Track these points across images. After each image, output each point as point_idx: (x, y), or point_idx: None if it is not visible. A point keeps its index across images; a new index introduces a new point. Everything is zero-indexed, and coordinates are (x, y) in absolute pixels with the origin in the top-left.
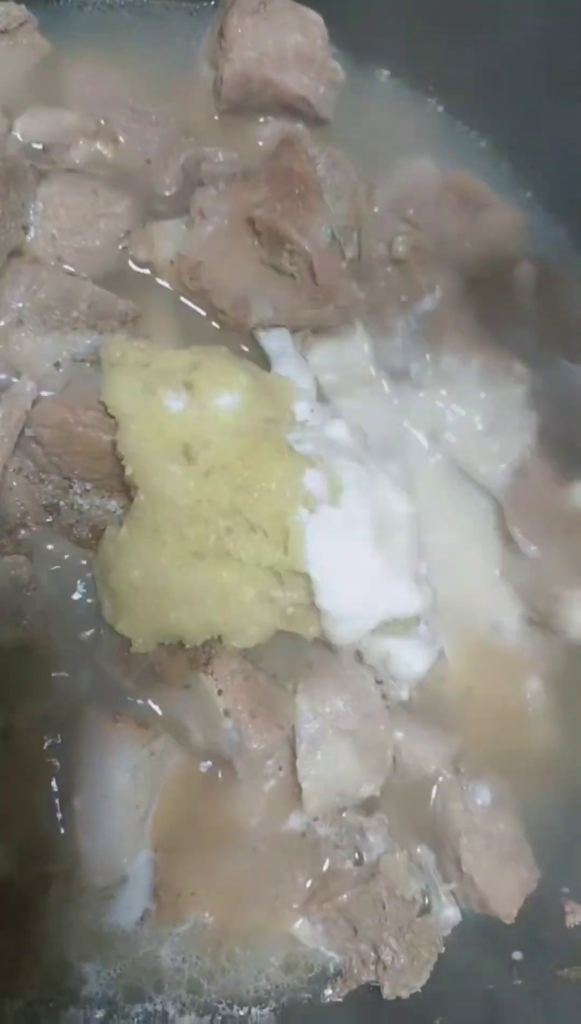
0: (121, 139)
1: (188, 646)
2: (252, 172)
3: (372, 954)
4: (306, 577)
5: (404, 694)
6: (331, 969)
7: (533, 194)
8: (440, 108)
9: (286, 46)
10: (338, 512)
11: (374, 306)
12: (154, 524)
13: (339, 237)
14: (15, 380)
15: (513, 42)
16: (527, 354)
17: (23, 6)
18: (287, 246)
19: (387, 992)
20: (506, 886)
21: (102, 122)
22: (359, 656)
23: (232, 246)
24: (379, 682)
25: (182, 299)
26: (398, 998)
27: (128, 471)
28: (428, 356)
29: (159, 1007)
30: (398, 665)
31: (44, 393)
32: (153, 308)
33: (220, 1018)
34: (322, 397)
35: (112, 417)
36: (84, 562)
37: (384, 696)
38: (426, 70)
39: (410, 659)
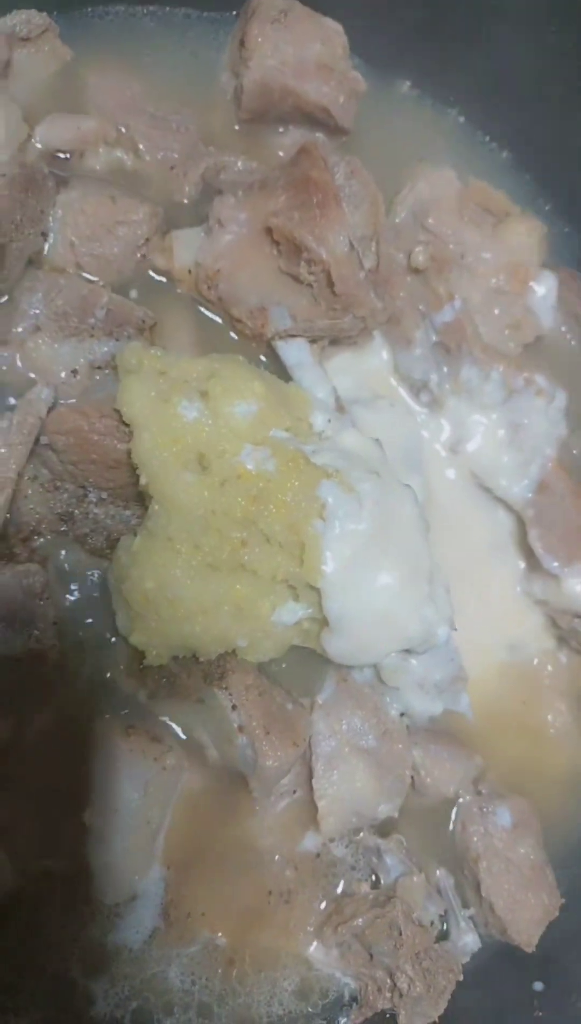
0: (141, 146)
1: (202, 660)
2: (270, 180)
3: (388, 981)
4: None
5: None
6: (346, 996)
7: (553, 206)
8: (461, 119)
9: (306, 55)
10: (354, 525)
11: (393, 316)
12: (168, 534)
13: (357, 246)
14: (33, 387)
15: (535, 54)
16: (549, 366)
17: (45, 14)
18: (305, 255)
19: (403, 1021)
20: (527, 913)
21: (122, 129)
22: (378, 673)
23: (250, 255)
24: (401, 714)
25: (201, 308)
26: None
27: (142, 480)
28: (447, 368)
29: None
30: (414, 690)
31: (62, 400)
32: (171, 317)
33: None
34: (340, 408)
35: (127, 425)
36: (99, 572)
37: (403, 714)
38: (448, 81)
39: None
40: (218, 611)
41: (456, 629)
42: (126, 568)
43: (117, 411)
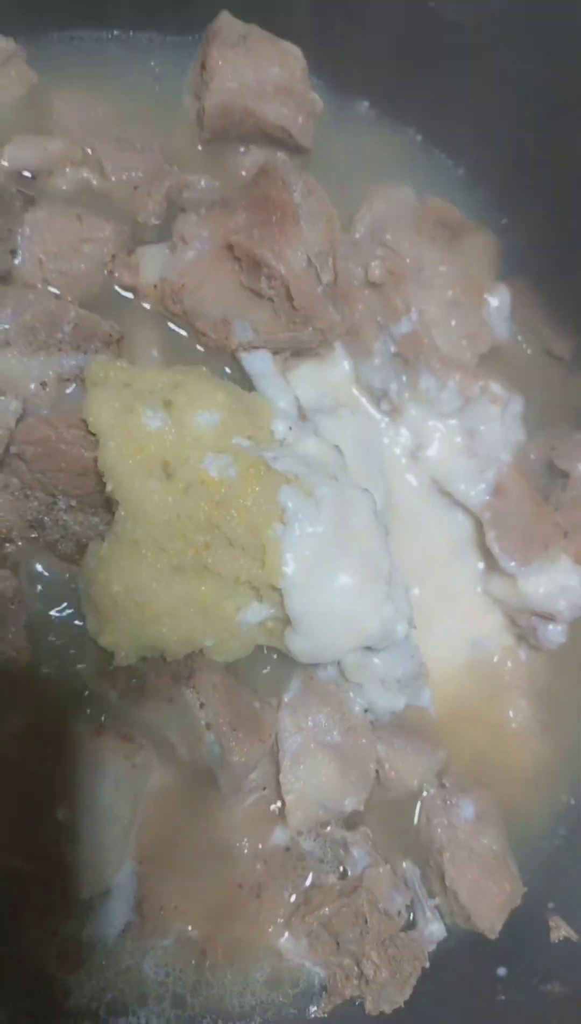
0: (107, 167)
1: (170, 660)
2: (231, 199)
3: (355, 968)
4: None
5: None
6: (316, 984)
7: (508, 220)
8: (419, 137)
9: (266, 78)
10: (313, 528)
11: (352, 328)
12: (134, 538)
13: (315, 262)
14: (1, 399)
15: (489, 72)
16: (505, 374)
17: (11, 39)
18: (264, 270)
19: (370, 1007)
20: (490, 901)
21: (88, 150)
22: (342, 671)
23: (213, 270)
24: (365, 711)
25: (167, 322)
26: (382, 1013)
27: (108, 487)
28: (406, 377)
29: (143, 1021)
30: (376, 687)
31: (31, 412)
32: (138, 331)
33: None
34: (303, 416)
35: (93, 435)
36: (68, 577)
37: (367, 710)
38: (404, 100)
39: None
40: (184, 612)
41: (415, 627)
42: (94, 572)
43: (84, 421)
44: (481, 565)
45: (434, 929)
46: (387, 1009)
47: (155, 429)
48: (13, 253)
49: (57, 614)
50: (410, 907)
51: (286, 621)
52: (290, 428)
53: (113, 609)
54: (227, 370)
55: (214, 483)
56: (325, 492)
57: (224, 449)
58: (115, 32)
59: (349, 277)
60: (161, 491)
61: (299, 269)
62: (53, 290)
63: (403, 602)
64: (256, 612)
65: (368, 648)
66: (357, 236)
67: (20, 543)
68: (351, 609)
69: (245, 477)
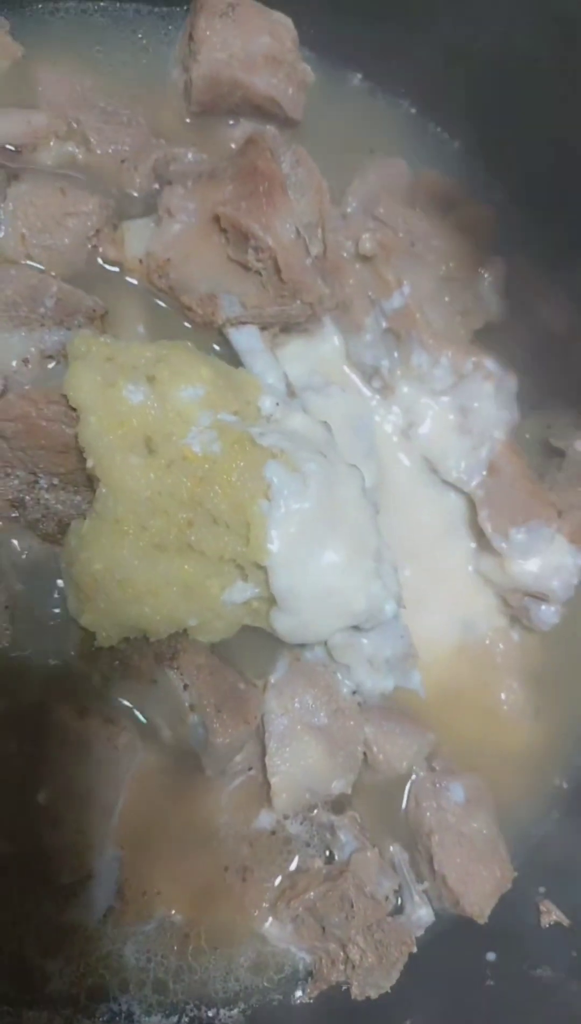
0: (92, 140)
1: (153, 640)
2: (218, 170)
3: (341, 953)
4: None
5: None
6: (301, 970)
7: (504, 194)
8: (413, 110)
9: (255, 48)
10: (299, 504)
11: (342, 303)
12: (115, 516)
13: (303, 233)
14: None
15: (486, 45)
16: (500, 351)
17: None
18: (252, 242)
19: (356, 992)
20: (479, 885)
21: (73, 124)
22: (329, 652)
23: (200, 244)
24: (353, 692)
25: (153, 298)
26: (368, 999)
27: (89, 463)
28: (398, 353)
29: (124, 1006)
30: (364, 668)
31: (13, 389)
32: (123, 307)
33: (187, 1019)
34: (291, 393)
35: (75, 410)
36: (50, 557)
37: (355, 692)
38: (399, 73)
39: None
40: (167, 591)
41: (405, 607)
42: (75, 551)
43: (65, 397)
44: (473, 545)
45: (422, 914)
46: (373, 994)
47: (137, 403)
48: None
49: (39, 595)
50: (398, 892)
51: (272, 600)
52: (277, 404)
53: (94, 588)
54: (215, 347)
55: (197, 459)
56: (312, 468)
57: (208, 424)
58: (101, 3)
59: (339, 250)
60: (143, 467)
61: (287, 240)
62: (36, 265)
63: (392, 580)
64: (241, 591)
65: (356, 628)
66: (349, 209)
67: (0, 523)
68: (338, 587)
69: (229, 452)
